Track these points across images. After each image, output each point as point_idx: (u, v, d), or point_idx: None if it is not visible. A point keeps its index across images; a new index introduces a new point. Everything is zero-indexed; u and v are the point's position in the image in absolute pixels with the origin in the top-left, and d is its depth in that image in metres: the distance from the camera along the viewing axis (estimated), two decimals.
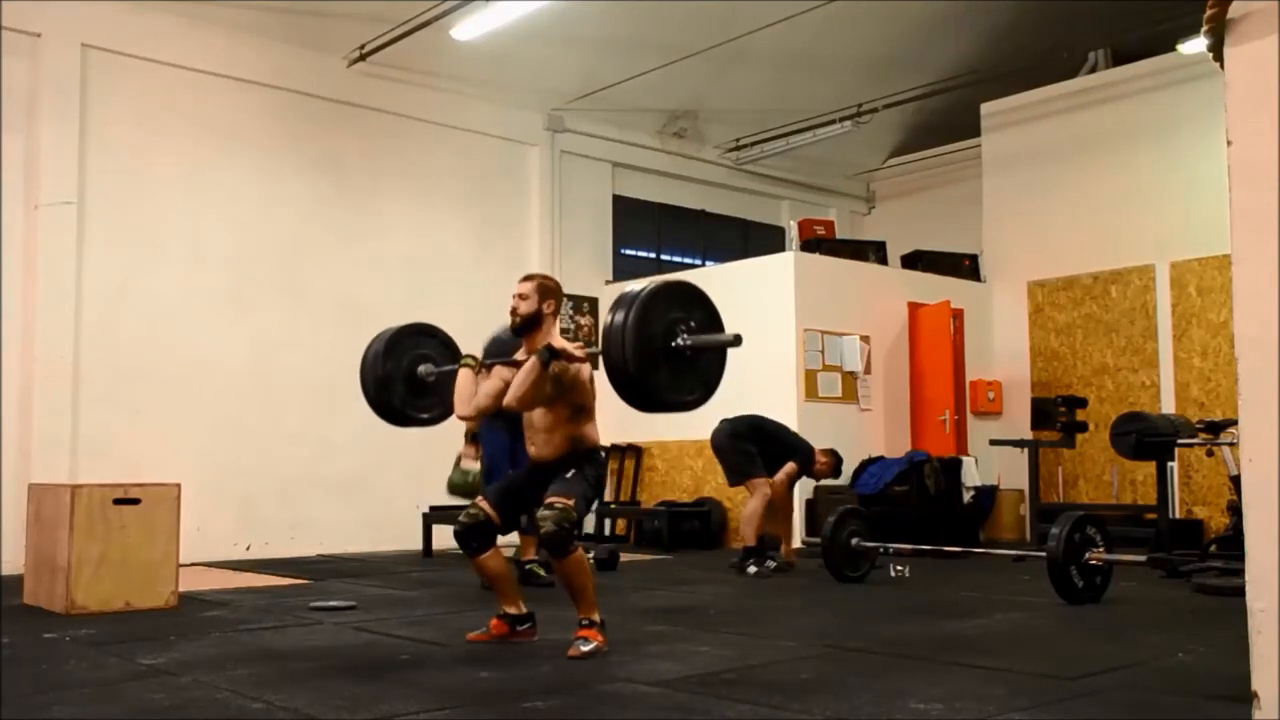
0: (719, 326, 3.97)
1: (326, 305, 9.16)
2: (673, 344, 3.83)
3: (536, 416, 4.25)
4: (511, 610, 4.39)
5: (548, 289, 4.35)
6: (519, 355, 4.36)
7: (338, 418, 9.05)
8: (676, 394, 3.91)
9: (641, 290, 3.84)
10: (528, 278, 4.42)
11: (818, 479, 8.09)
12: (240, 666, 3.84)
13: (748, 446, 7.39)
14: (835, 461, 7.77)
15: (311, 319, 9.08)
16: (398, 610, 5.42)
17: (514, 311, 4.33)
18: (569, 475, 4.17)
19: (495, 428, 6.39)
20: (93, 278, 8.01)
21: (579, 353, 4.08)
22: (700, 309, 3.96)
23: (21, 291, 7.73)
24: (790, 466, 7.49)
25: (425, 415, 5.06)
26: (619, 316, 3.77)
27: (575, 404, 4.22)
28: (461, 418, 4.57)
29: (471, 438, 6.39)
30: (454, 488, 6.43)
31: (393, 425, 5.08)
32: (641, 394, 3.83)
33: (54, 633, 4.65)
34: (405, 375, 4.95)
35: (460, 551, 4.38)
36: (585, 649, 4.06)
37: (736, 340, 3.82)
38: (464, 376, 4.46)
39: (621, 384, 3.80)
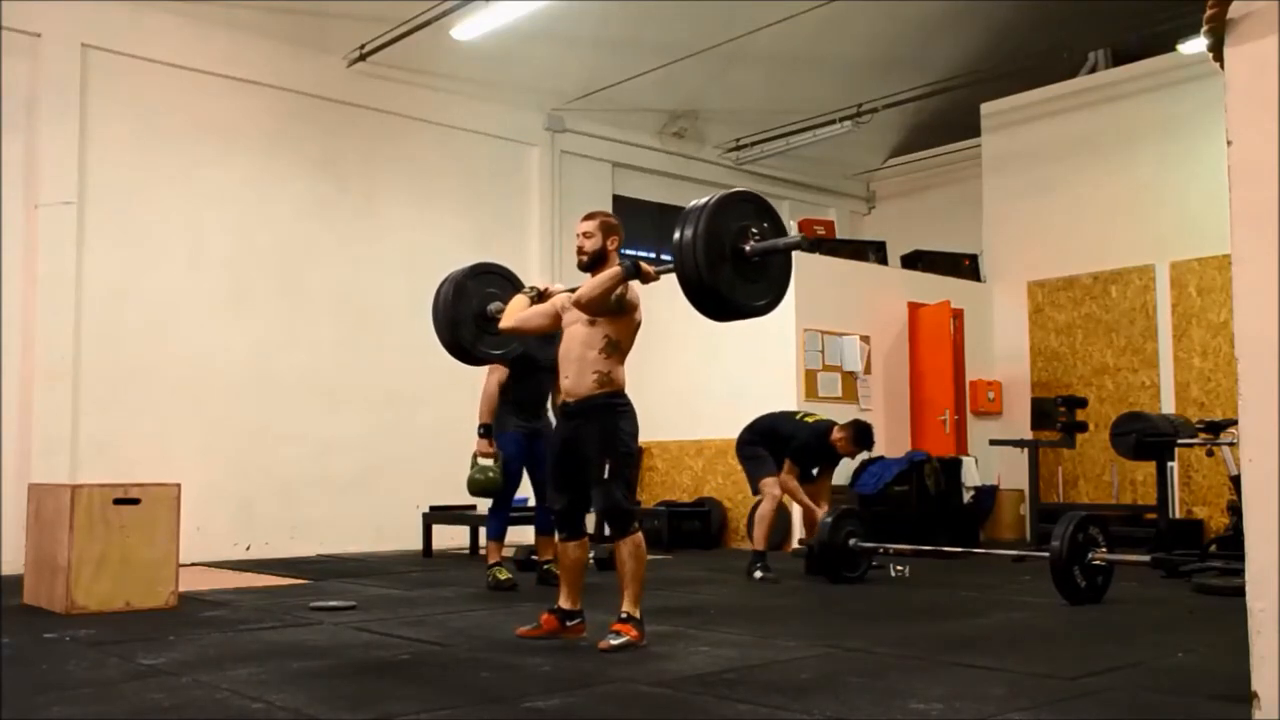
0: (784, 235, 4.10)
1: (326, 305, 9.16)
2: (743, 248, 3.95)
3: (574, 346, 4.34)
4: (567, 605, 4.42)
5: (610, 225, 4.46)
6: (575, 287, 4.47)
7: (338, 418, 9.07)
8: (747, 298, 4.03)
9: (710, 199, 3.99)
10: (589, 216, 4.51)
11: (838, 459, 7.31)
12: (240, 666, 3.83)
13: (754, 450, 7.20)
14: (855, 434, 7.01)
15: (311, 319, 9.08)
16: (398, 610, 5.41)
17: (580, 250, 4.44)
18: (604, 474, 4.21)
19: (508, 430, 6.41)
20: (93, 278, 8.01)
21: (656, 273, 4.26)
22: (768, 218, 4.09)
23: (21, 291, 7.72)
24: (787, 464, 7.08)
25: (498, 352, 5.15)
26: (690, 224, 3.92)
27: (614, 338, 4.30)
28: (502, 328, 4.69)
29: (484, 431, 6.30)
30: (474, 485, 6.37)
31: (466, 364, 5.14)
32: (712, 297, 3.94)
33: (54, 633, 4.65)
34: (476, 315, 4.99)
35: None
36: (615, 642, 4.07)
37: (802, 242, 4.01)
38: (519, 297, 4.66)
39: (693, 288, 3.93)
